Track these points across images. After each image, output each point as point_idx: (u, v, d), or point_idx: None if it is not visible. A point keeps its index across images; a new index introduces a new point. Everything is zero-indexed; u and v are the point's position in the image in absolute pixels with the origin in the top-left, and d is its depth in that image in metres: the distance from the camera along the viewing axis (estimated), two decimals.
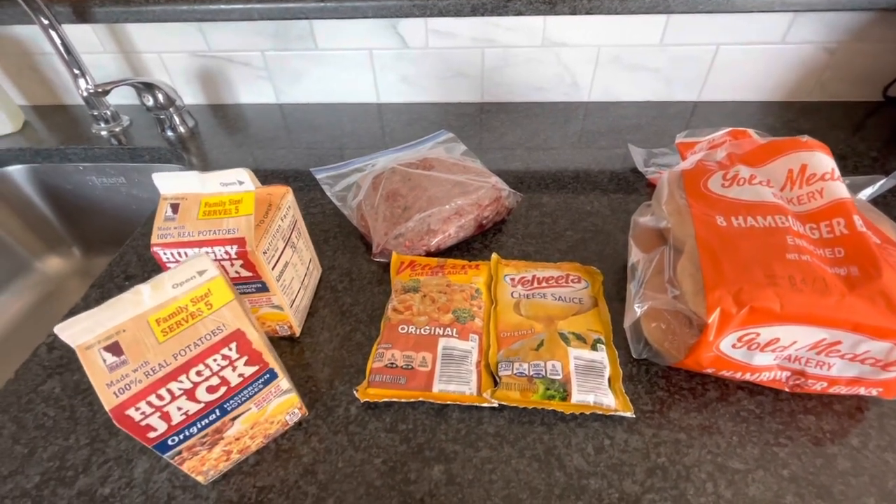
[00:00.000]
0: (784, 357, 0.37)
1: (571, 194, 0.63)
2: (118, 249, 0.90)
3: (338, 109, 0.85)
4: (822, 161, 0.41)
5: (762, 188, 0.41)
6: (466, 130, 0.77)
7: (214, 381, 0.31)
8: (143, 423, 0.29)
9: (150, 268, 0.56)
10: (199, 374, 0.30)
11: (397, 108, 0.84)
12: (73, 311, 0.51)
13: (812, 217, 0.39)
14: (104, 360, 0.28)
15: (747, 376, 0.39)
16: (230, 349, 0.31)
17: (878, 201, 0.57)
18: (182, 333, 0.30)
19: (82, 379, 0.45)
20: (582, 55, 0.77)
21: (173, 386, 0.29)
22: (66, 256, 0.92)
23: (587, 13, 0.70)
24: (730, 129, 0.55)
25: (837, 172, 0.40)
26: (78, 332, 0.28)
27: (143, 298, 0.29)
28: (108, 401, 0.27)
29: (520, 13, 0.70)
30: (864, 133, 0.73)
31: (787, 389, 0.40)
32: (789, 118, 0.77)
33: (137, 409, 0.28)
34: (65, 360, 0.46)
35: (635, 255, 0.46)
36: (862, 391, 0.37)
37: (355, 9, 0.71)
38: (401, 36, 0.77)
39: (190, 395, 0.30)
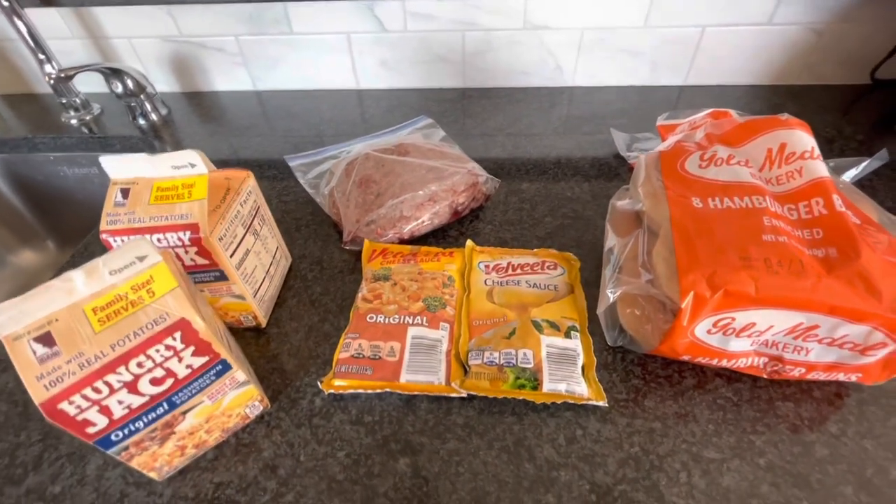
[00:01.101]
0: (761, 342, 0.36)
1: (552, 180, 0.62)
2: None
3: (317, 96, 0.83)
4: (802, 139, 0.39)
5: (740, 168, 0.39)
6: (448, 116, 0.76)
7: (159, 372, 0.29)
8: (80, 418, 0.27)
9: None
10: (140, 365, 0.28)
11: (377, 95, 0.82)
12: None
13: (791, 197, 0.38)
14: (34, 352, 0.26)
15: (724, 363, 0.38)
16: (174, 339, 0.29)
17: (862, 184, 0.55)
18: (120, 323, 0.28)
19: None
20: (565, 38, 0.75)
21: (111, 378, 0.27)
22: (40, 250, 0.89)
23: None
24: (710, 110, 0.54)
25: (817, 151, 0.39)
26: (4, 321, 0.26)
27: (76, 286, 0.27)
28: (38, 394, 0.26)
29: None
30: (852, 116, 0.72)
31: (765, 376, 0.38)
32: (777, 101, 0.75)
33: (71, 402, 0.27)
34: None
35: (611, 239, 0.45)
36: (841, 377, 0.36)
37: None
38: (378, 19, 0.74)
39: (131, 387, 0.28)
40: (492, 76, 0.81)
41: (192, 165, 0.36)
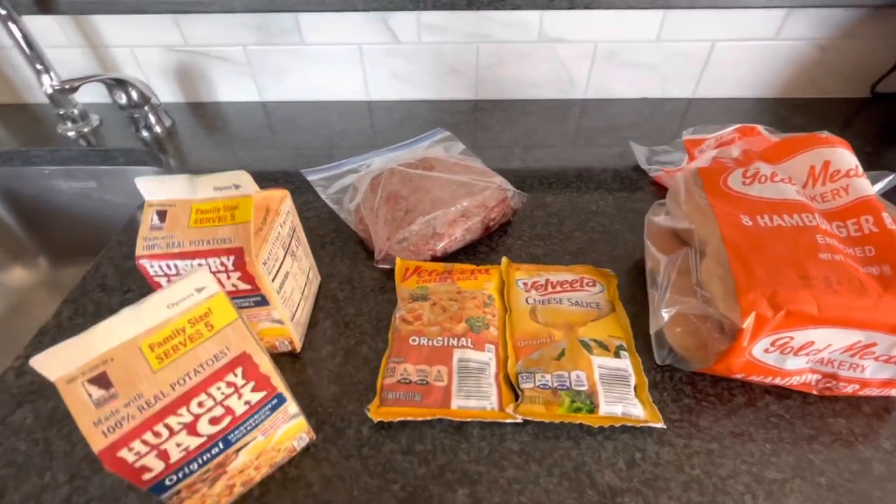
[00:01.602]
0: (816, 360, 0.36)
1: (575, 193, 0.62)
2: (90, 259, 0.84)
3: (325, 107, 0.81)
4: (845, 157, 0.40)
5: (785, 186, 0.40)
6: (461, 129, 0.75)
7: (218, 411, 0.27)
8: (138, 465, 0.25)
9: (130, 280, 0.51)
10: (200, 405, 0.26)
11: (388, 106, 0.81)
12: (44, 331, 0.46)
13: (838, 215, 0.38)
14: (90, 395, 0.24)
15: (777, 380, 0.38)
16: (236, 375, 0.27)
17: (886, 197, 0.57)
18: (180, 360, 0.26)
19: (58, 406, 0.40)
20: (578, 51, 0.75)
21: (172, 420, 0.25)
22: (32, 267, 0.85)
23: (585, 7, 0.68)
24: (738, 125, 0.54)
25: (861, 169, 0.39)
26: (57, 362, 0.24)
27: (129, 321, 0.25)
28: (97, 442, 0.24)
29: (517, 7, 0.68)
30: (854, 129, 0.74)
31: (815, 392, 0.39)
32: (783, 114, 0.77)
33: (131, 449, 0.25)
34: (36, 386, 0.42)
35: (654, 256, 0.44)
36: (894, 392, 0.37)
37: (345, 1, 0.68)
38: (392, 30, 0.73)
39: (191, 429, 0.26)
40: (503, 88, 0.81)
41: (237, 187, 0.34)
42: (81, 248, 0.84)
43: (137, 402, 0.25)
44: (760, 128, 0.51)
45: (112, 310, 0.48)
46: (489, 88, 0.81)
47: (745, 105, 0.79)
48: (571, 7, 0.68)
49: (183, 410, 0.26)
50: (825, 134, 0.42)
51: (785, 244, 0.36)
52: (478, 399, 0.38)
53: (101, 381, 0.24)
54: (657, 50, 0.75)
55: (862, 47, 0.74)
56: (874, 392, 0.37)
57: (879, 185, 0.48)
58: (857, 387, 0.37)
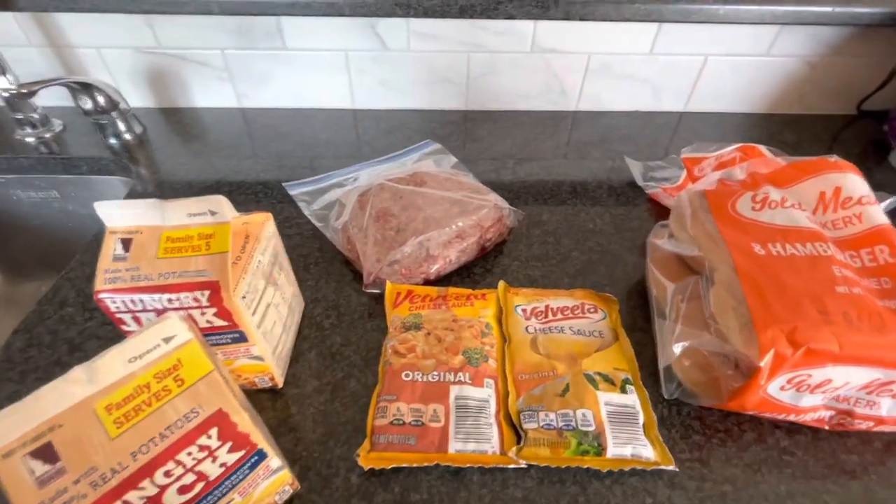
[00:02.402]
0: (832, 397, 0.34)
1: (571, 210, 0.59)
2: (51, 274, 0.78)
3: (308, 115, 0.77)
4: (857, 183, 0.39)
5: (796, 212, 0.38)
6: (451, 140, 0.72)
7: (189, 478, 0.24)
8: None
9: (92, 305, 0.47)
10: (168, 474, 0.23)
11: (375, 115, 0.77)
12: None
13: (851, 244, 0.37)
14: (32, 472, 0.20)
15: (791, 417, 0.36)
16: (210, 437, 0.24)
17: None
18: (143, 423, 0.22)
19: None
20: (572, 63, 0.74)
21: (132, 496, 0.22)
22: None
23: (581, 19, 0.66)
24: (738, 144, 0.53)
25: (874, 196, 0.38)
26: None
27: (82, 380, 0.21)
28: None
29: (511, 17, 0.66)
30: (841, 146, 0.75)
31: (826, 428, 0.37)
32: (773, 130, 0.77)
33: None
34: None
35: (659, 283, 0.42)
36: None
37: (331, 5, 0.64)
38: (380, 37, 0.70)
39: (155, 502, 0.23)
40: (494, 98, 0.79)
41: (213, 213, 0.31)
42: (42, 261, 0.78)
43: (90, 478, 0.21)
44: (762, 148, 0.50)
45: (70, 340, 0.44)
46: (480, 99, 0.78)
47: (735, 120, 0.79)
48: (566, 18, 0.66)
49: (146, 483, 0.22)
50: (834, 158, 0.41)
51: (800, 275, 0.34)
52: (477, 442, 0.35)
53: (46, 453, 0.21)
54: (651, 63, 0.74)
55: (850, 65, 0.75)
56: (889, 429, 0.35)
57: (882, 205, 0.48)
58: (872, 424, 0.35)
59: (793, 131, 0.77)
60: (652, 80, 0.76)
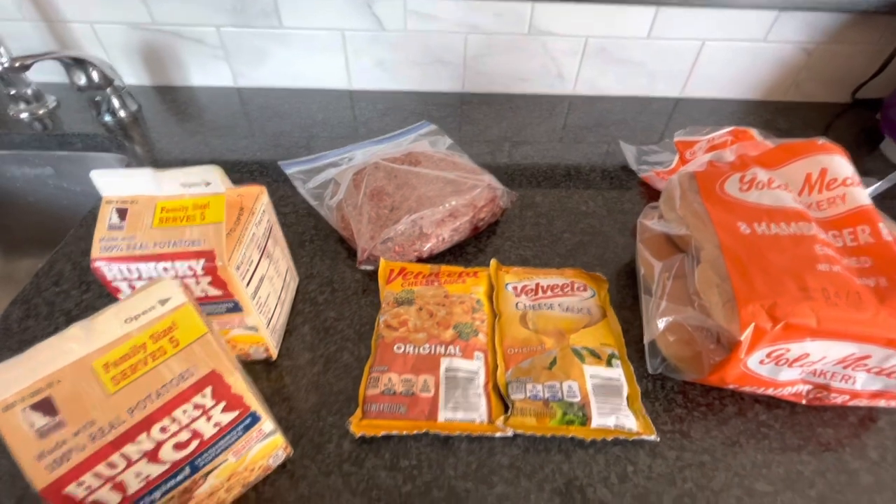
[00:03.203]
0: (809, 371, 0.36)
1: (565, 193, 0.60)
2: (46, 251, 0.79)
3: (304, 95, 0.77)
4: (843, 165, 0.39)
5: (782, 192, 0.39)
6: (447, 122, 0.72)
7: (184, 435, 0.25)
8: (90, 501, 0.22)
9: (89, 279, 0.47)
10: (164, 430, 0.23)
11: (371, 96, 0.77)
12: None
13: (834, 224, 0.38)
14: (32, 424, 0.21)
15: (770, 391, 0.37)
16: (204, 395, 0.24)
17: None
18: (139, 381, 0.23)
19: None
20: (569, 45, 0.74)
21: (130, 449, 0.23)
22: None
23: (578, 1, 0.66)
24: (731, 127, 0.53)
25: (857, 177, 0.39)
26: None
27: (80, 338, 0.22)
28: (40, 479, 0.21)
29: None
30: (834, 134, 0.75)
31: (804, 402, 0.38)
32: (767, 117, 0.77)
33: (81, 483, 0.22)
34: None
35: (647, 261, 0.43)
36: (882, 403, 0.36)
37: None
38: (377, 17, 0.70)
39: (152, 456, 0.24)
40: (491, 81, 0.79)
41: (208, 183, 0.31)
42: (37, 238, 0.78)
43: (89, 431, 0.22)
44: (753, 131, 0.50)
45: (67, 311, 0.44)
46: (476, 81, 0.78)
47: (730, 106, 0.79)
48: None
49: (143, 437, 0.23)
50: (822, 140, 0.41)
51: (783, 254, 0.35)
52: (466, 411, 0.36)
53: (45, 407, 0.21)
54: (647, 47, 0.74)
55: (845, 52, 0.75)
56: (863, 403, 0.37)
57: (868, 191, 0.49)
58: (847, 398, 0.37)
59: (786, 118, 0.77)
60: (648, 64, 0.76)
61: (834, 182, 0.39)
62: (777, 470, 0.36)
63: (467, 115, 0.74)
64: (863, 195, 0.38)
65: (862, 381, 0.35)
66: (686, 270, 0.39)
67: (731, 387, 0.38)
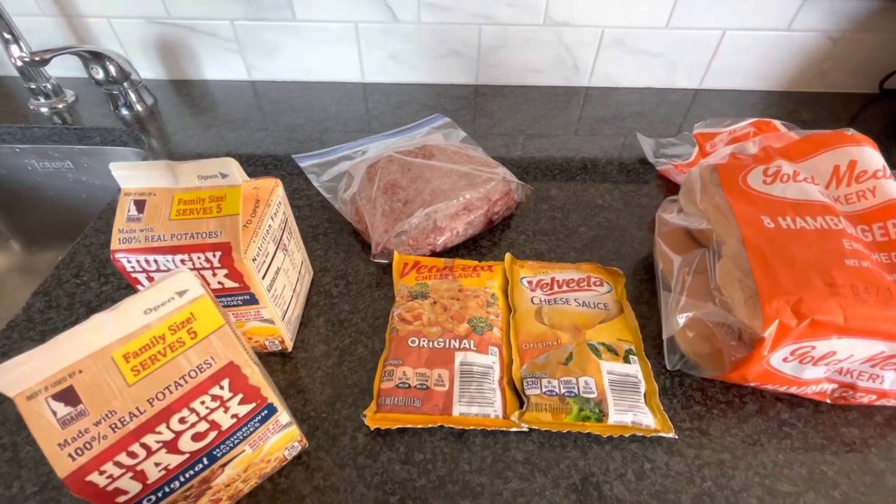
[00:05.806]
0: (835, 370, 0.35)
1: (580, 186, 0.59)
2: (66, 244, 0.80)
3: (317, 88, 0.77)
4: (873, 157, 0.38)
5: (808, 186, 0.38)
6: (461, 114, 0.72)
7: (202, 426, 0.25)
8: (111, 489, 0.23)
9: (108, 271, 0.48)
10: (182, 421, 0.24)
11: (384, 89, 0.77)
12: (13, 326, 0.43)
13: (863, 218, 0.36)
14: (54, 413, 0.21)
15: (793, 389, 0.36)
16: (222, 387, 0.25)
17: None
18: (158, 371, 0.23)
19: None
20: (585, 36, 0.72)
21: (149, 439, 0.23)
22: (4, 250, 0.80)
23: None
24: (753, 119, 0.52)
25: (889, 170, 0.37)
26: (15, 377, 0.21)
27: (102, 328, 0.22)
28: (63, 467, 0.21)
29: None
30: (861, 125, 0.73)
31: (828, 401, 0.37)
32: (791, 108, 0.75)
33: (102, 472, 0.22)
34: None
35: (666, 256, 0.42)
36: None
37: None
38: (390, 8, 0.69)
39: (171, 447, 0.24)
40: (505, 73, 0.78)
41: (224, 176, 0.31)
42: (57, 231, 0.80)
43: (110, 420, 0.22)
44: (777, 123, 0.49)
45: (87, 303, 0.45)
46: (491, 73, 0.77)
47: (751, 98, 0.77)
48: None
49: (162, 428, 0.23)
50: (850, 132, 0.40)
51: (809, 248, 0.34)
52: (480, 406, 0.36)
53: (68, 396, 0.22)
54: (666, 37, 0.72)
55: (873, 41, 0.72)
56: (891, 403, 0.36)
57: None
58: (875, 397, 0.35)
59: (811, 110, 0.75)
60: (667, 54, 0.75)
61: (864, 174, 0.37)
62: (799, 470, 0.35)
63: (481, 108, 0.74)
64: (894, 188, 0.36)
65: (891, 381, 0.34)
66: (707, 265, 0.38)
67: (752, 384, 0.37)
